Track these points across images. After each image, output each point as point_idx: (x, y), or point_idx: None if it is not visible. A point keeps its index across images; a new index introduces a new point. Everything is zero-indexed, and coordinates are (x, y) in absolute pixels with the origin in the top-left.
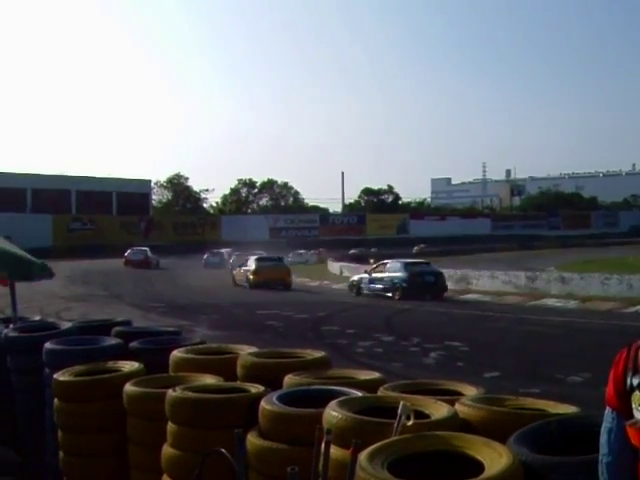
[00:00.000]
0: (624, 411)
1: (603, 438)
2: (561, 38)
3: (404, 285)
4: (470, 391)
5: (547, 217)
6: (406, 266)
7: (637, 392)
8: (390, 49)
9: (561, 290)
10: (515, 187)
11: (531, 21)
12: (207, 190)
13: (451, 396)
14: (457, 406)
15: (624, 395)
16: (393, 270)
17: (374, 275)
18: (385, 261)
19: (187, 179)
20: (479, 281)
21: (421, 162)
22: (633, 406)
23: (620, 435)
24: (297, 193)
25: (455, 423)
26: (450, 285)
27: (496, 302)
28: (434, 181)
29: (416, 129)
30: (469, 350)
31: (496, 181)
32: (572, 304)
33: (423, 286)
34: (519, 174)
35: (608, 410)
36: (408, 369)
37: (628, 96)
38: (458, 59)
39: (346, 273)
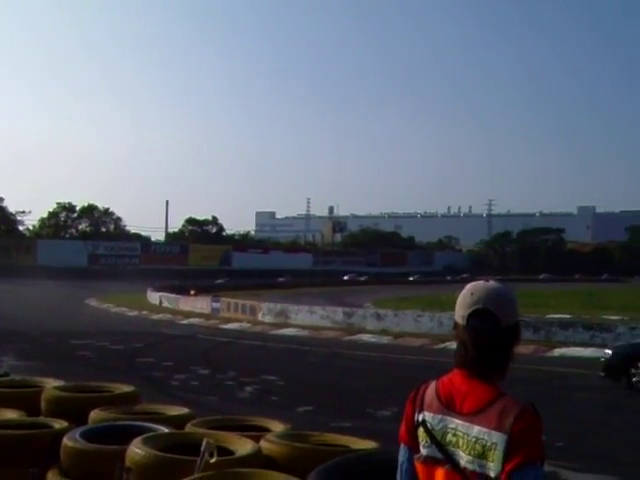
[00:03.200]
0: (414, 446)
1: (398, 472)
2: (387, 80)
3: None
4: (278, 427)
5: (366, 254)
6: None
7: (421, 428)
8: (216, 77)
9: (376, 326)
10: (337, 224)
11: (357, 59)
12: (23, 212)
13: (259, 432)
14: (262, 442)
15: (413, 431)
16: None
17: None
18: None
19: (2, 200)
20: (298, 315)
21: (247, 195)
22: (419, 441)
23: (411, 469)
24: (119, 220)
25: (259, 459)
26: (269, 319)
27: (313, 337)
28: (259, 214)
29: (242, 162)
30: (284, 384)
31: (319, 217)
32: (386, 340)
33: None
34: (341, 211)
35: (402, 445)
36: (223, 403)
37: (445, 142)
38: (284, 93)
39: (166, 303)
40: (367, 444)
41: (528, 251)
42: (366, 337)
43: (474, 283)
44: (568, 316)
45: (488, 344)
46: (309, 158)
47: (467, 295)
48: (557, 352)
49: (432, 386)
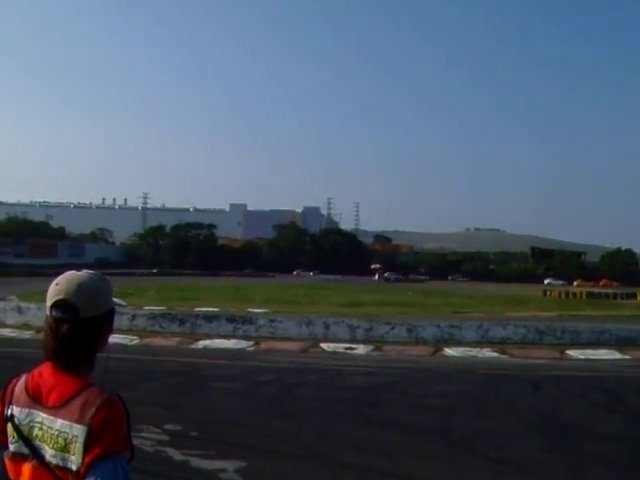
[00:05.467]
0: (5, 443)
1: None
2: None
3: None
4: None
5: (13, 244)
6: None
7: (9, 424)
8: None
9: (18, 320)
10: None
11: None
12: None
13: None
14: None
15: (3, 427)
16: None
17: None
18: None
19: None
20: None
21: None
22: (9, 437)
23: (1, 467)
24: None
25: None
26: None
27: None
28: None
29: None
30: None
31: None
32: (27, 334)
33: None
34: None
35: None
36: None
37: (103, 131)
38: None
39: None
40: None
41: (181, 245)
42: (6, 332)
43: (64, 274)
44: (215, 309)
45: (68, 335)
46: None
47: (53, 285)
48: (201, 344)
49: (23, 379)
